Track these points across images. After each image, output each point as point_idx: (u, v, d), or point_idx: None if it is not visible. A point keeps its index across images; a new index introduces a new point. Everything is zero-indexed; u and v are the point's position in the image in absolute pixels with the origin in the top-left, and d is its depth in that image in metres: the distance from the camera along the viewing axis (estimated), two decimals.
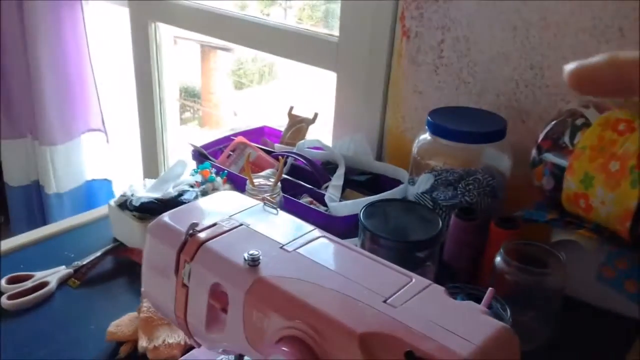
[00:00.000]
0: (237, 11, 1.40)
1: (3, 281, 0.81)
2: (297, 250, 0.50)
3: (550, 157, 0.78)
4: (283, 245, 0.51)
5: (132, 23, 1.60)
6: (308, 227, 0.55)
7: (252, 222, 0.55)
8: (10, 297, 0.79)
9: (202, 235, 0.52)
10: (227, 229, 0.53)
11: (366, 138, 1.11)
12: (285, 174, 1.03)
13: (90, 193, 1.99)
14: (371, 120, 1.13)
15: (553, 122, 0.79)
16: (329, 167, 1.07)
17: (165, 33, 1.60)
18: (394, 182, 1.02)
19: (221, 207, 0.58)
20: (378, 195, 0.91)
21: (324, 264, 0.49)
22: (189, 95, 3.20)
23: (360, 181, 1.05)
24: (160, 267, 0.54)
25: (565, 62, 0.33)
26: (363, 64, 1.11)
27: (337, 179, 1.00)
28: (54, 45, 1.77)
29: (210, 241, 0.51)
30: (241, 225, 0.54)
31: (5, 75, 1.89)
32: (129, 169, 1.98)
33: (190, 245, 0.51)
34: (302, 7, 2.56)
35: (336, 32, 1.17)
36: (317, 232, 0.54)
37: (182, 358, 0.67)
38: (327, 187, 0.99)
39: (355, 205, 0.90)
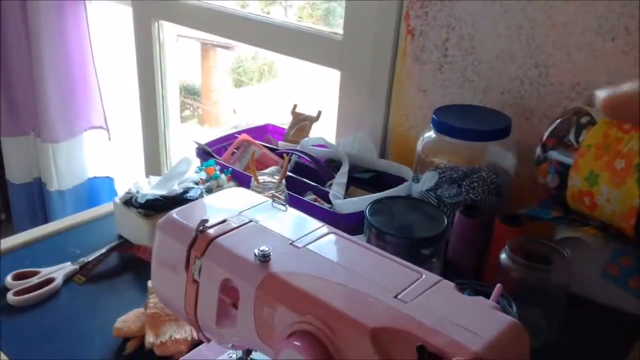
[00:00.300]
0: (240, 9, 1.40)
1: (9, 277, 0.82)
2: (307, 247, 0.51)
3: (555, 154, 0.78)
4: (293, 242, 0.51)
5: (135, 21, 1.60)
6: (317, 223, 0.55)
7: (261, 218, 0.55)
8: (16, 293, 0.79)
9: (212, 231, 0.52)
10: (237, 225, 0.54)
11: (370, 136, 1.11)
12: (289, 171, 1.04)
13: (92, 190, 1.99)
14: (375, 118, 1.14)
15: (558, 120, 0.79)
16: (333, 165, 1.07)
17: (168, 31, 1.61)
18: (398, 180, 1.02)
19: (230, 203, 0.58)
20: (383, 193, 0.92)
21: (334, 260, 0.49)
22: (189, 93, 3.19)
23: (364, 179, 1.05)
24: (170, 263, 0.54)
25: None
26: (367, 62, 1.12)
27: (341, 177, 1.00)
28: (57, 44, 1.77)
29: (221, 237, 0.52)
30: (250, 221, 0.54)
31: (8, 73, 1.90)
32: (130, 166, 1.98)
33: (200, 241, 0.52)
34: (302, 6, 2.56)
35: (338, 30, 1.17)
36: (325, 229, 0.54)
37: (188, 354, 0.68)
38: (331, 185, 0.99)
39: (360, 202, 0.90)
